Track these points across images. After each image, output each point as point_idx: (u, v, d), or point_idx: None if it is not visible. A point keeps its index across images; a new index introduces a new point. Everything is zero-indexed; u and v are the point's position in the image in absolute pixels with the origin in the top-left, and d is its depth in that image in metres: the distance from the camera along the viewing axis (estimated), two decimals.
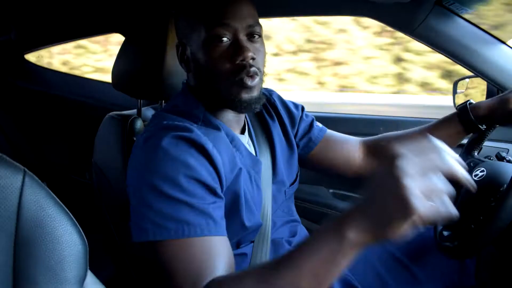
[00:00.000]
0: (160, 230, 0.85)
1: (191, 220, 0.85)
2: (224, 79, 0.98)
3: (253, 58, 0.97)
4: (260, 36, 1.02)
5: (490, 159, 1.20)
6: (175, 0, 1.06)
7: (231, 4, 0.97)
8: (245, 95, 0.98)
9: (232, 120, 1.09)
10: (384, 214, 0.64)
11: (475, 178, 1.10)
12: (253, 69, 0.97)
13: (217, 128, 1.03)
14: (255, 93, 1.00)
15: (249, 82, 0.97)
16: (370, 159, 1.31)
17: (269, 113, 1.24)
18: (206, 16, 0.97)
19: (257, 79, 0.99)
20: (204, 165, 0.91)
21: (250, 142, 1.15)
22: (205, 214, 0.87)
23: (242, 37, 0.98)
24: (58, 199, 0.64)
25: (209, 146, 0.93)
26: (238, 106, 1.00)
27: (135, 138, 1.24)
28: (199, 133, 0.94)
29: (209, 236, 0.86)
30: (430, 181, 0.61)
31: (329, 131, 1.35)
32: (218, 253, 0.86)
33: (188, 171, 0.88)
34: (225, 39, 0.97)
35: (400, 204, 0.60)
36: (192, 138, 0.92)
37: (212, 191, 0.91)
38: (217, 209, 0.91)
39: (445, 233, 1.10)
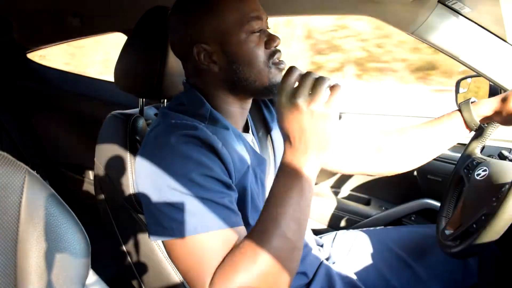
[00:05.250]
0: (184, 227, 0.86)
1: (214, 215, 0.87)
2: (264, 65, 1.02)
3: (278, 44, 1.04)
4: None
5: (492, 158, 1.20)
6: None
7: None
8: (280, 77, 1.02)
9: (237, 117, 1.10)
10: (315, 134, 0.81)
11: (478, 178, 1.10)
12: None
13: (225, 127, 1.04)
14: None
15: (282, 65, 1.04)
16: (370, 153, 1.30)
17: (268, 109, 1.25)
18: (240, 12, 1.00)
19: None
20: (215, 163, 0.93)
21: (254, 140, 1.15)
22: (224, 207, 0.89)
23: (267, 27, 1.05)
24: (60, 198, 0.64)
25: (219, 145, 0.94)
26: (273, 90, 1.04)
27: (137, 137, 1.24)
28: (208, 132, 0.95)
29: (232, 227, 0.89)
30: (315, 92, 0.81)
31: None
32: (238, 242, 0.88)
33: (201, 169, 0.89)
34: (257, 32, 1.01)
35: (322, 116, 0.80)
36: (201, 137, 0.93)
37: (226, 185, 0.93)
38: (234, 202, 0.94)
39: (447, 232, 1.10)
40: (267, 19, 1.05)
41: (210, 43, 1.03)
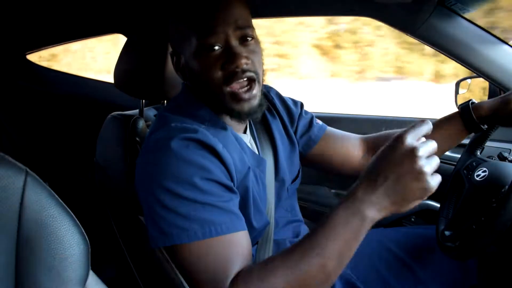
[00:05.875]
0: (186, 233, 0.84)
1: (215, 220, 0.86)
2: (218, 88, 0.97)
3: (247, 63, 0.95)
4: (253, 38, 0.99)
5: (492, 159, 1.20)
6: (167, 8, 1.07)
7: (220, 10, 0.94)
8: (244, 107, 0.98)
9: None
10: (404, 194, 0.74)
11: (477, 179, 1.10)
12: (248, 74, 0.96)
13: (224, 128, 1.03)
14: (255, 102, 0.99)
15: (246, 96, 0.97)
16: (371, 156, 1.30)
17: (269, 110, 1.24)
18: (195, 25, 0.95)
19: (255, 88, 0.98)
20: (217, 166, 0.91)
21: (252, 141, 1.15)
22: (227, 211, 0.88)
23: (234, 43, 0.95)
24: (60, 199, 0.64)
25: (219, 147, 0.93)
26: (237, 117, 1.00)
27: (137, 139, 1.24)
28: (208, 134, 0.94)
29: (234, 232, 0.87)
30: (433, 161, 0.74)
31: (329, 128, 1.34)
32: (241, 247, 0.87)
33: (202, 172, 0.88)
34: (216, 47, 0.94)
35: (421, 187, 0.73)
36: (202, 139, 0.91)
37: (228, 188, 0.92)
38: (236, 205, 0.93)
39: (447, 233, 1.10)
40: (242, 32, 0.96)
41: (180, 53, 1.03)
